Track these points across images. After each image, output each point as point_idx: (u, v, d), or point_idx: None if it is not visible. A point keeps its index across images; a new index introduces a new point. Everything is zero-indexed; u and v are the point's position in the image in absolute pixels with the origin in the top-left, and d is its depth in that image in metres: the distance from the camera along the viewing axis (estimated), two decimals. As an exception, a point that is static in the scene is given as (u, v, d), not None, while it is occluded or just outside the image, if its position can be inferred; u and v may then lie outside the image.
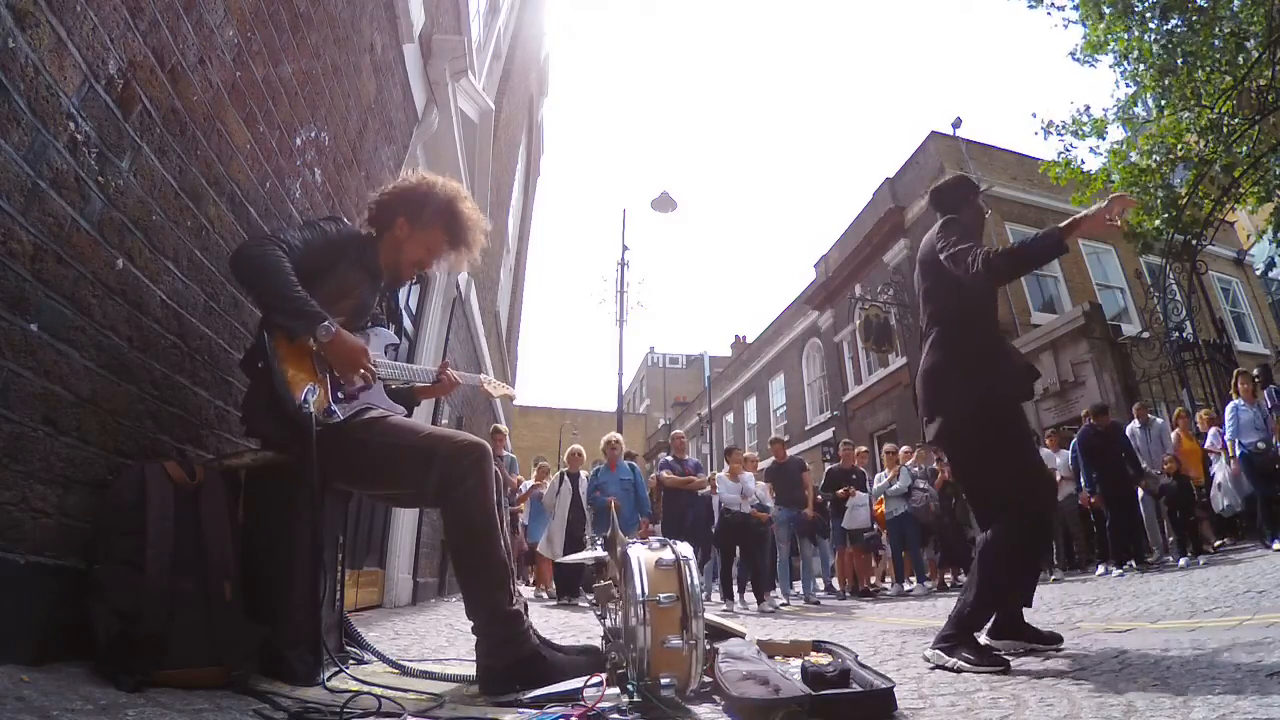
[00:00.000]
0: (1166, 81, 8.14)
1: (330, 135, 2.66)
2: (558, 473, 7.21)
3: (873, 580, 7.84)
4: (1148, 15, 8.10)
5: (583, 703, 1.40)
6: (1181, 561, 5.92)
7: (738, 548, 6.68)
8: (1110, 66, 8.70)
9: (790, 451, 8.13)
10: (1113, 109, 8.99)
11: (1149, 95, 8.42)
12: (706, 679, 1.56)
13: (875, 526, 7.66)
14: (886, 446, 8.36)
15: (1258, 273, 15.29)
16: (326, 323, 1.64)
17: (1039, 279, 12.76)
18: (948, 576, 7.40)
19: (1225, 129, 7.96)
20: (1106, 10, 8.19)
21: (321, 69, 2.47)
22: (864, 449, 9.66)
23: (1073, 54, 8.99)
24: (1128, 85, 8.69)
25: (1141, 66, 8.30)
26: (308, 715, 1.29)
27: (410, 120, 3.94)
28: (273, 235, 1.74)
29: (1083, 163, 9.21)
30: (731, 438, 23.51)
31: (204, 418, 1.86)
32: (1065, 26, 8.96)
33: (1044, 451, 7.33)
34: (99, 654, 1.28)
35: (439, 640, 2.89)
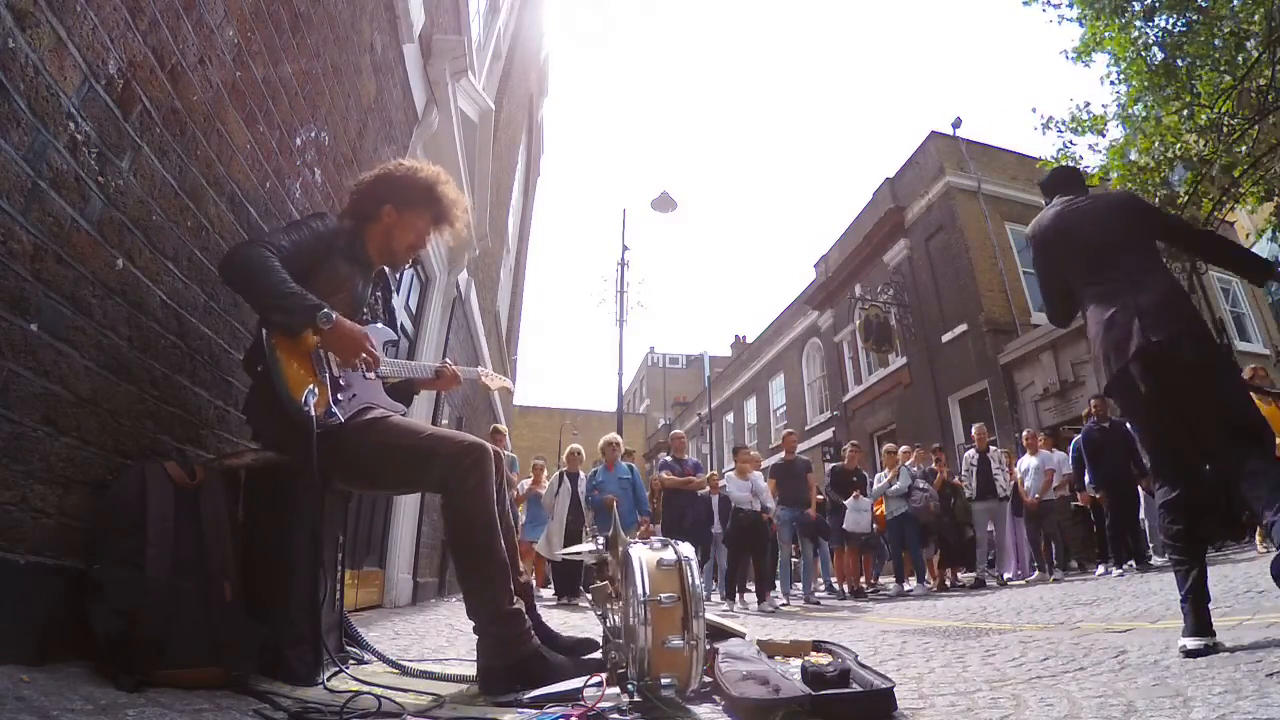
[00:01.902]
0: (1149, 84, 8.12)
1: (330, 135, 2.66)
2: (556, 473, 7.21)
3: (862, 581, 7.83)
4: (1144, 16, 8.09)
5: (583, 703, 1.40)
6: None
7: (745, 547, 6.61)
8: (1107, 66, 8.69)
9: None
10: (1113, 107, 8.98)
11: (1146, 95, 8.41)
12: (706, 679, 1.56)
13: (874, 528, 7.66)
14: (886, 446, 8.36)
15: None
16: (325, 310, 1.64)
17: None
18: (947, 577, 7.41)
19: (1225, 129, 7.96)
20: (1103, 7, 8.17)
21: (321, 69, 2.47)
22: (855, 444, 9.65)
23: (1065, 52, 8.97)
24: (1122, 85, 8.67)
25: (1135, 69, 8.28)
26: (308, 715, 1.29)
27: (410, 120, 3.94)
28: (260, 239, 1.74)
29: (1080, 158, 9.20)
30: (731, 438, 23.52)
31: (204, 418, 1.86)
32: (1059, 23, 8.94)
33: (1043, 453, 7.34)
34: (99, 654, 1.28)
35: (439, 640, 2.89)
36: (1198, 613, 1.97)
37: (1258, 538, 5.67)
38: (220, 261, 1.68)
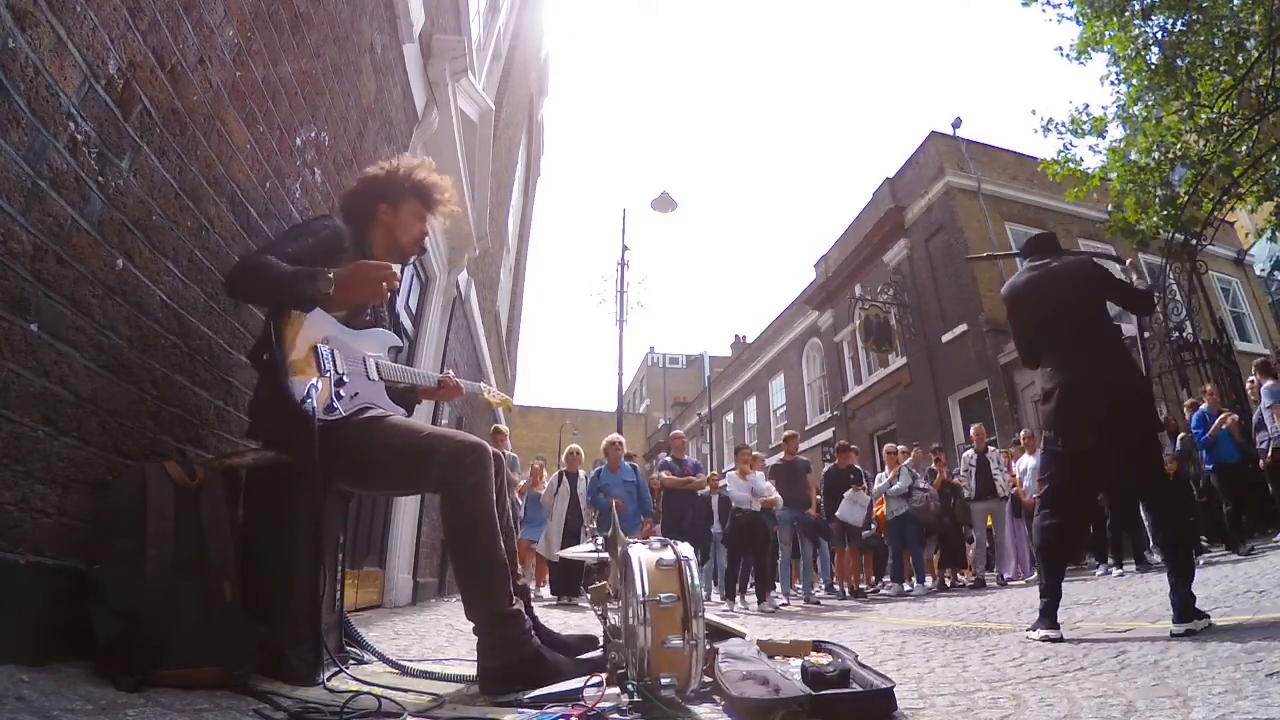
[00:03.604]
0: (1149, 84, 8.13)
1: (330, 135, 2.65)
2: (556, 473, 7.21)
3: (862, 582, 7.82)
4: (1143, 15, 8.09)
5: (583, 703, 1.40)
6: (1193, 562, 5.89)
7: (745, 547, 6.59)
8: (1107, 65, 8.68)
9: (791, 451, 8.09)
10: (1112, 108, 8.98)
11: (1146, 95, 8.40)
12: (706, 679, 1.56)
13: (874, 526, 7.64)
14: (886, 446, 8.35)
15: (1259, 272, 15.29)
16: (326, 274, 1.65)
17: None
18: (947, 576, 7.40)
19: (1225, 129, 7.96)
20: (1103, 6, 8.17)
21: (321, 69, 2.47)
22: (855, 447, 9.62)
23: (1061, 50, 8.96)
24: (1122, 85, 8.66)
25: (1135, 69, 8.28)
26: (308, 715, 1.29)
27: (410, 120, 3.94)
28: (263, 249, 1.76)
29: (1081, 159, 9.20)
30: (731, 437, 23.52)
31: (204, 418, 1.86)
32: (1059, 22, 8.94)
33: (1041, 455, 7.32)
34: (99, 654, 1.28)
35: (439, 640, 2.89)
36: (1053, 610, 2.62)
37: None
38: (224, 281, 1.71)
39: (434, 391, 2.21)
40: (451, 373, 2.25)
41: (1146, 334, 10.00)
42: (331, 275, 1.66)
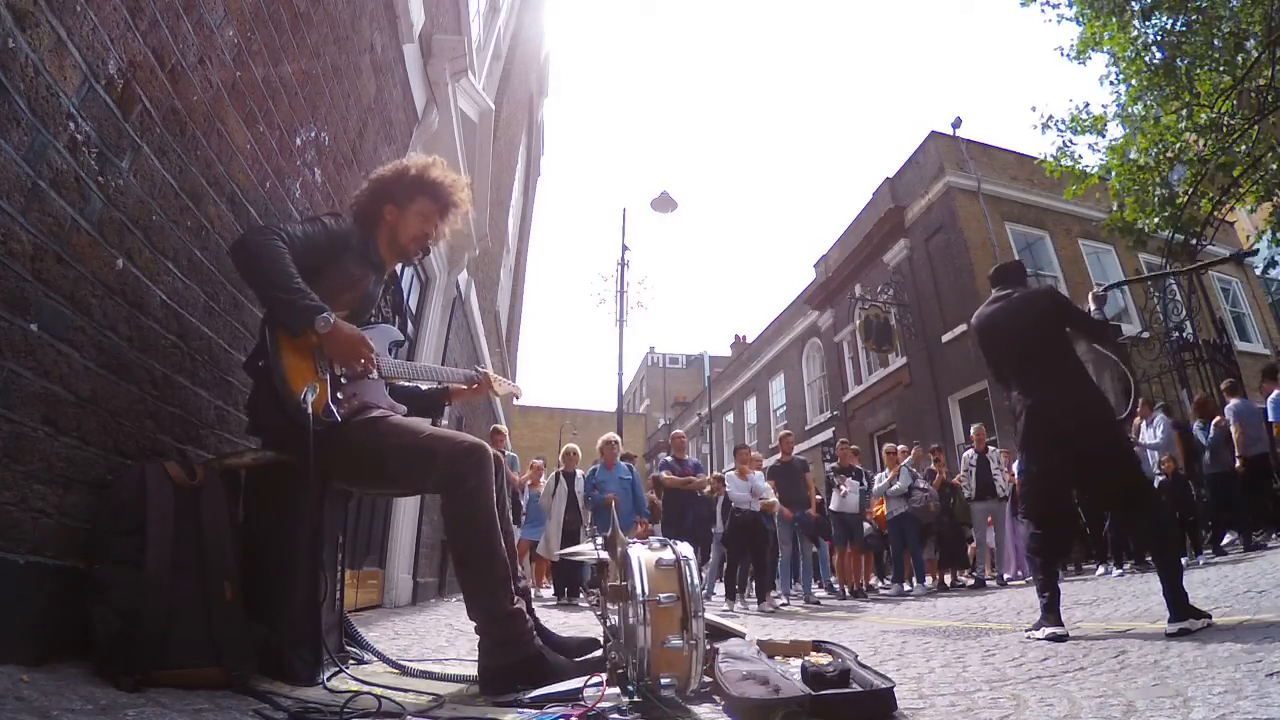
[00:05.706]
0: (1148, 84, 8.13)
1: (330, 135, 2.65)
2: (553, 473, 7.21)
3: (862, 582, 7.81)
4: (1143, 15, 8.09)
5: (583, 703, 1.40)
6: (1181, 561, 5.90)
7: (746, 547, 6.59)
8: (1106, 65, 8.68)
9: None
10: (1112, 107, 8.98)
11: (1146, 95, 8.40)
12: (706, 679, 1.56)
13: (874, 525, 7.63)
14: (886, 446, 8.34)
15: (1258, 273, 15.28)
16: (325, 314, 1.63)
17: (1038, 279, 12.77)
18: (947, 576, 7.40)
19: (1225, 129, 7.95)
20: (1102, 7, 8.16)
21: (321, 69, 2.47)
22: (855, 447, 9.61)
23: (1062, 50, 8.97)
24: (1121, 85, 8.66)
25: (1134, 69, 8.27)
26: (308, 715, 1.29)
27: (410, 120, 3.94)
28: (274, 226, 1.74)
29: (1080, 158, 9.19)
30: (731, 438, 23.52)
31: (204, 418, 1.86)
32: (1058, 22, 8.96)
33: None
34: (99, 654, 1.28)
35: (439, 640, 2.89)
36: (1055, 606, 2.69)
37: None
38: (231, 245, 1.69)
39: (465, 391, 2.20)
40: (452, 361, 2.23)
41: (1146, 334, 10.03)
42: (332, 320, 1.64)
